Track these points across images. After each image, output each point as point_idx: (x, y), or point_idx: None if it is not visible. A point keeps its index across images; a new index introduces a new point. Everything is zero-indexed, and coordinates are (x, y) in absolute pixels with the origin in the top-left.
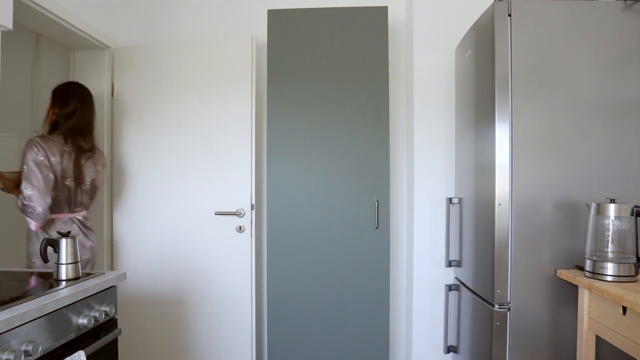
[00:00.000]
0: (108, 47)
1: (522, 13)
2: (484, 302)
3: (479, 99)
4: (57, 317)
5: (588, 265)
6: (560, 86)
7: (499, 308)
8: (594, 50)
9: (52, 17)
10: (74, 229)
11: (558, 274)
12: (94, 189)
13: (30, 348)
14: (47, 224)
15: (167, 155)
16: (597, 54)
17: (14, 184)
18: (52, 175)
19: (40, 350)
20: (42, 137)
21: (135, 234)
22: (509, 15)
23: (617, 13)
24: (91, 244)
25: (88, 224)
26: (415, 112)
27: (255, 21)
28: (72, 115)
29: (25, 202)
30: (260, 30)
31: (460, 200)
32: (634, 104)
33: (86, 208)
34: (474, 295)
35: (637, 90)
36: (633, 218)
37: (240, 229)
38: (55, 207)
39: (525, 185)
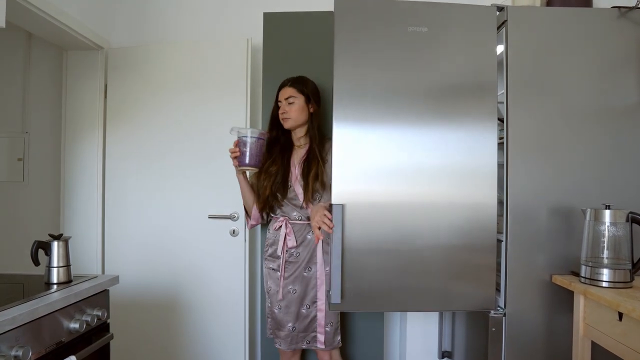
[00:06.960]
0: (101, 47)
1: (518, 19)
2: None
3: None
4: (48, 322)
5: (583, 271)
6: (555, 92)
7: (495, 314)
8: (589, 57)
9: (45, 16)
10: None
11: (553, 280)
12: None
13: (20, 353)
14: None
15: (161, 157)
16: (592, 61)
17: None
18: None
19: (30, 355)
20: None
21: (128, 236)
22: (505, 21)
23: (612, 20)
24: None
25: None
26: None
27: (250, 24)
28: None
29: None
30: (256, 33)
31: None
32: (628, 110)
33: None
34: None
35: (632, 96)
36: (628, 224)
37: (234, 233)
38: None
39: (520, 191)
